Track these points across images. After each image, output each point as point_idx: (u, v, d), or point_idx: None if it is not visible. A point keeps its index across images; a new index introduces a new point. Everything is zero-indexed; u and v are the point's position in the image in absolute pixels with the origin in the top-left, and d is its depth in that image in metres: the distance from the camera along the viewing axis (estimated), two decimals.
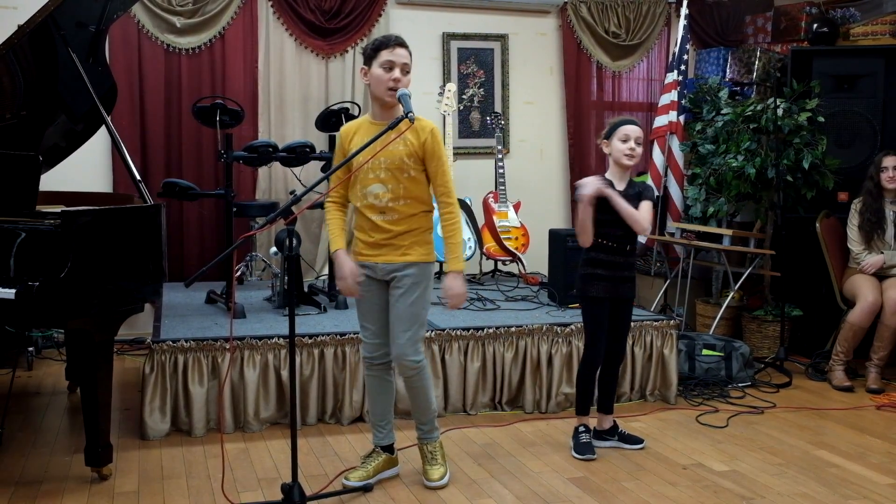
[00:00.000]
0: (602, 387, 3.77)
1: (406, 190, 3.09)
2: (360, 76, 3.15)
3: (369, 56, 3.08)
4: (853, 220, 4.91)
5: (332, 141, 5.24)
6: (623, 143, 3.54)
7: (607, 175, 3.61)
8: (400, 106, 3.00)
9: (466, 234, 5.45)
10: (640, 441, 3.75)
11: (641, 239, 5.93)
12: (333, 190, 3.18)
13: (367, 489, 3.20)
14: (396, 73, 3.02)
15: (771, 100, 5.22)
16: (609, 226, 3.54)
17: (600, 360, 3.68)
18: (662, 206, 5.90)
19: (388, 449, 3.34)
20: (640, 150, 3.56)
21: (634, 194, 3.56)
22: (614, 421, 3.79)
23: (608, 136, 3.59)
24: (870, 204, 4.83)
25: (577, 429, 3.70)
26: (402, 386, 3.95)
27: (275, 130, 5.66)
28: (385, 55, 3.03)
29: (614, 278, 3.57)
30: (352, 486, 3.20)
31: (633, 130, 3.54)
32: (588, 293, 3.60)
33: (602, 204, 3.50)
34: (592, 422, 3.76)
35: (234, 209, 4.63)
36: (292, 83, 5.71)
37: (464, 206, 5.53)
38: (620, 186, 3.56)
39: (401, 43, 3.07)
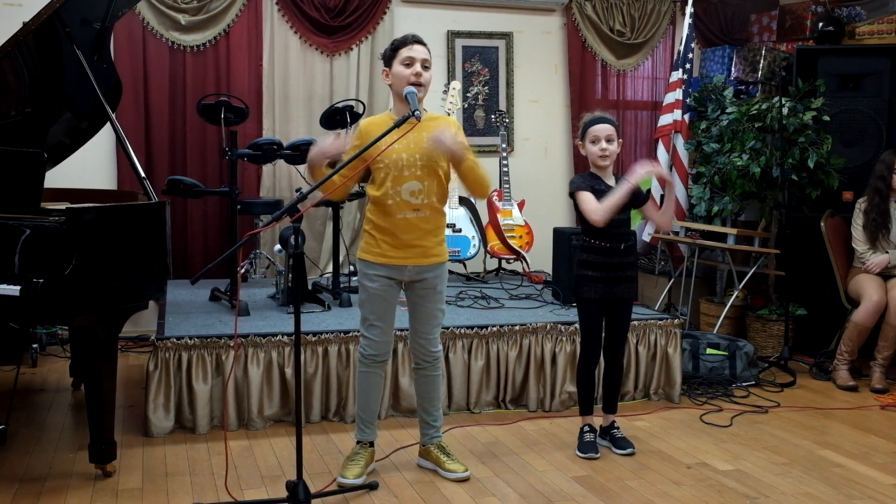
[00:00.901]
0: (604, 386, 3.77)
1: (437, 187, 3.17)
2: (383, 79, 3.20)
3: (389, 57, 3.16)
4: (858, 220, 4.89)
5: None
6: (594, 145, 3.46)
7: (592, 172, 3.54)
8: (423, 101, 3.09)
9: (471, 232, 5.45)
10: (627, 447, 3.64)
11: (645, 237, 5.94)
12: (342, 176, 3.06)
13: (372, 487, 3.20)
14: (417, 67, 3.10)
15: (776, 98, 5.20)
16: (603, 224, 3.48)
17: (596, 360, 3.67)
18: None
19: (371, 444, 3.38)
20: (613, 147, 3.46)
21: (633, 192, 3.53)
22: (613, 421, 3.76)
23: (582, 138, 3.52)
24: (877, 204, 4.79)
25: (581, 429, 3.70)
26: (408, 384, 3.98)
27: (279, 128, 5.66)
28: (404, 52, 3.11)
29: (608, 279, 3.52)
30: (350, 483, 3.18)
31: (602, 129, 3.45)
32: (581, 295, 3.57)
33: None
34: (598, 421, 3.76)
35: (239, 207, 4.63)
36: (297, 81, 5.71)
37: (468, 204, 5.53)
38: (611, 183, 3.51)
39: (418, 40, 3.15)
